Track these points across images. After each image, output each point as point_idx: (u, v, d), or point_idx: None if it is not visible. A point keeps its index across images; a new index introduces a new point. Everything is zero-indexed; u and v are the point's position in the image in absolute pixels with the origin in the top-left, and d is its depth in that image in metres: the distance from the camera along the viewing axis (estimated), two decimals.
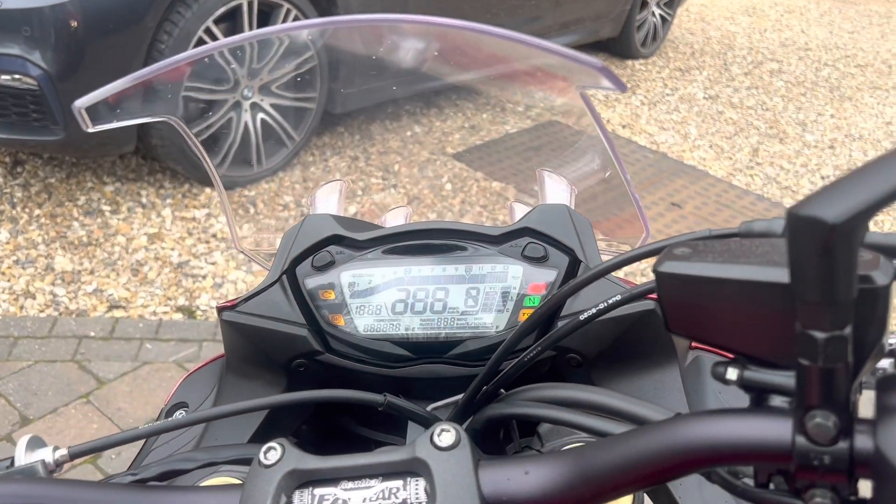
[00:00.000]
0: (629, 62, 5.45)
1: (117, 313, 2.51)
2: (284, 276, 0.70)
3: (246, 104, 3.03)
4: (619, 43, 5.35)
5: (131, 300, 2.58)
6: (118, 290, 2.61)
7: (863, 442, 0.32)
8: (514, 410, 0.54)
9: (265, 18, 3.03)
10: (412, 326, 0.68)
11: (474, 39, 0.62)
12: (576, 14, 4.72)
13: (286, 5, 3.02)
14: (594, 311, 0.50)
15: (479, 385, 0.57)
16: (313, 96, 3.22)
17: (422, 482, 0.43)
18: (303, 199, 3.14)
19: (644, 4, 5.30)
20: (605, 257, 0.74)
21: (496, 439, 0.66)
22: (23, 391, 2.16)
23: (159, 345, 2.39)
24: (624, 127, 4.37)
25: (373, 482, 0.44)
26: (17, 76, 2.55)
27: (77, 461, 0.50)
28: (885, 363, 0.57)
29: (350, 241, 0.71)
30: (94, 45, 2.61)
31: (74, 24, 2.53)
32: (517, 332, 0.55)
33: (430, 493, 0.42)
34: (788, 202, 3.67)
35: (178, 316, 2.53)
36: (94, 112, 0.65)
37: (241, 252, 0.84)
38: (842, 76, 5.67)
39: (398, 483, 0.44)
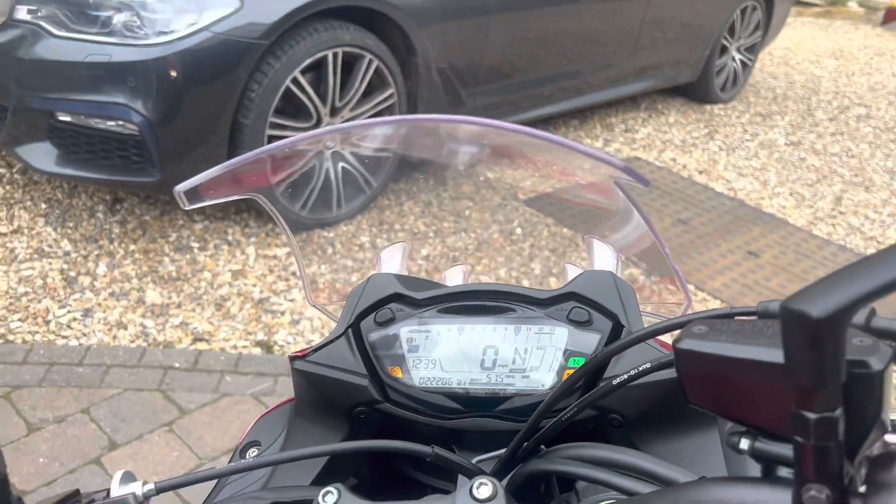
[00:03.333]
0: (707, 107, 5.40)
1: (201, 346, 2.65)
2: (350, 330, 0.76)
3: (328, 153, 3.18)
4: (697, 88, 5.32)
5: (214, 334, 2.72)
6: (202, 323, 2.76)
7: None
8: (551, 467, 0.57)
9: (348, 69, 3.18)
10: (464, 381, 0.72)
11: (515, 142, 0.68)
12: (654, 59, 4.72)
13: (368, 56, 3.17)
14: (625, 377, 0.54)
15: (520, 441, 0.61)
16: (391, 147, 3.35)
17: None
18: (377, 240, 3.25)
19: (724, 50, 5.27)
20: (647, 321, 0.78)
21: (538, 493, 0.70)
22: (112, 417, 2.31)
23: (238, 378, 2.51)
24: (701, 173, 4.32)
25: None
26: (121, 123, 2.76)
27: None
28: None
29: (409, 299, 0.77)
30: (191, 94, 2.80)
31: (174, 74, 2.73)
32: (556, 392, 0.59)
33: None
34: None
35: (257, 350, 2.65)
36: (192, 194, 0.75)
37: (314, 306, 0.91)
38: None
39: None
